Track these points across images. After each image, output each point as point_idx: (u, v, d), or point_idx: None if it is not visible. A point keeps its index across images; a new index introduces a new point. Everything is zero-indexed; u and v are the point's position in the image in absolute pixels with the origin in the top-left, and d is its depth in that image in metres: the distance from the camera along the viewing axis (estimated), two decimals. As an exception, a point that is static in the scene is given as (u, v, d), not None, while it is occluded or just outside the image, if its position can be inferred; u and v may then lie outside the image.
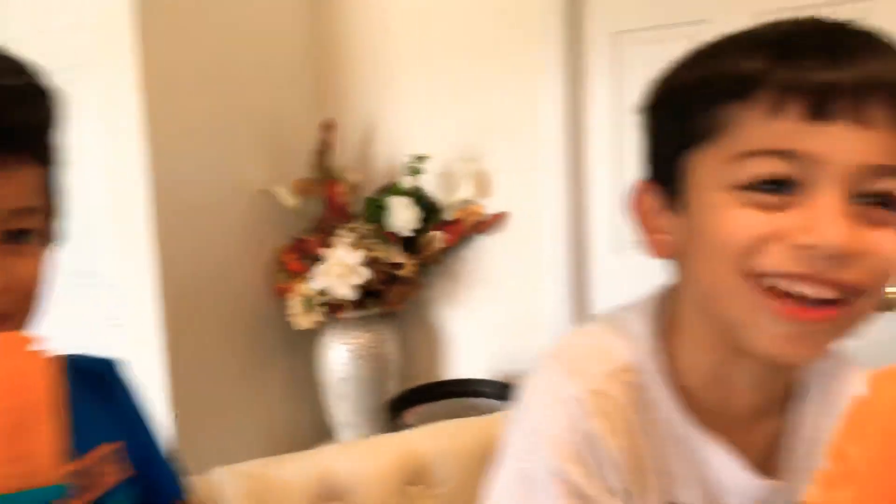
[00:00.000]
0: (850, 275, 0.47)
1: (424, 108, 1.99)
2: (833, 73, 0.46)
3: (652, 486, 0.56)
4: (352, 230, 1.86)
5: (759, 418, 0.58)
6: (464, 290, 2.00)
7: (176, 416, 1.72)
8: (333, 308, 1.85)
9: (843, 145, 0.46)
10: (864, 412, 0.41)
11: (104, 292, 2.06)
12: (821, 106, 0.46)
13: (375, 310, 1.91)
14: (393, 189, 1.91)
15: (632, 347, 0.58)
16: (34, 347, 0.49)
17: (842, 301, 0.49)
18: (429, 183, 1.92)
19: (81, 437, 0.70)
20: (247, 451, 1.93)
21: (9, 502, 0.44)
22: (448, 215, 1.92)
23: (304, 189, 1.98)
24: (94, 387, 0.75)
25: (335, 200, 1.90)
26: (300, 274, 1.88)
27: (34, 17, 2.26)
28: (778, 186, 0.48)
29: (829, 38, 0.49)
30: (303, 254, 1.89)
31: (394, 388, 1.93)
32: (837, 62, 0.46)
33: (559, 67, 1.80)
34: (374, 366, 1.92)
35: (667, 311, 0.60)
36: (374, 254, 1.83)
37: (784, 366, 0.55)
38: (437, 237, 1.91)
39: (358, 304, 1.86)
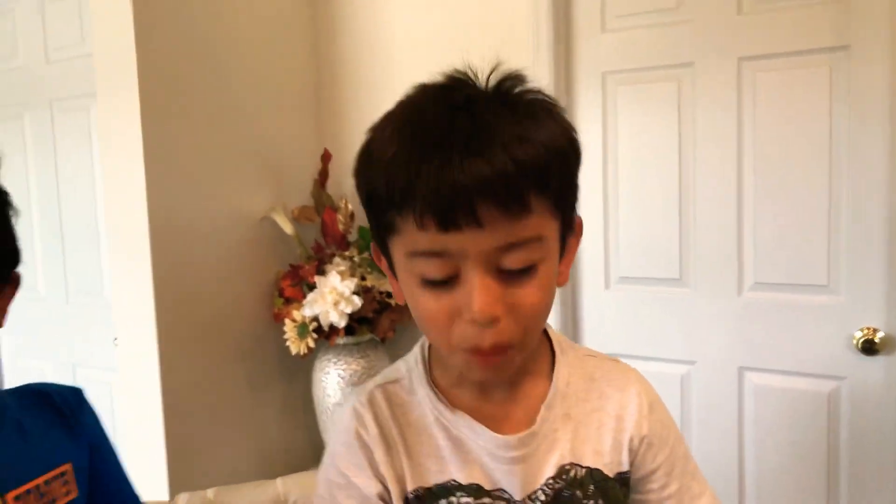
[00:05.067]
0: (507, 326, 0.64)
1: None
2: (453, 192, 0.60)
3: (407, 473, 0.72)
4: (346, 258, 1.90)
5: (515, 393, 0.75)
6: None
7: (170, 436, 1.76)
8: (327, 334, 1.89)
9: (471, 242, 0.61)
10: None
11: (108, 312, 2.13)
12: (448, 224, 0.61)
13: (368, 336, 1.95)
14: (388, 219, 1.95)
15: (407, 366, 0.78)
16: None
17: (509, 345, 0.65)
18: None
19: (39, 459, 0.75)
20: (242, 472, 1.96)
21: None
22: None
23: (302, 216, 2.04)
24: (59, 413, 0.81)
25: (331, 228, 1.95)
26: (295, 300, 1.93)
27: (43, 47, 2.37)
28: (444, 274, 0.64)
29: (454, 144, 0.61)
30: (299, 280, 1.93)
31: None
32: (461, 174, 0.59)
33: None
34: (367, 392, 1.95)
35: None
36: (366, 282, 1.87)
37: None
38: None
39: (350, 331, 1.90)
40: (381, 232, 0.68)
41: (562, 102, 1.86)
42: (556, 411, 0.75)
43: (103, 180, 1.85)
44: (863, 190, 1.59)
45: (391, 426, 0.74)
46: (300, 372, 2.09)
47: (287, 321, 1.90)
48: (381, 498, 0.72)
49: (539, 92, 0.68)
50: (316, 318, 1.86)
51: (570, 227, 0.71)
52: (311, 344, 1.87)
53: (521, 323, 0.65)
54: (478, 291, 0.62)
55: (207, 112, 1.85)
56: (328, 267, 1.89)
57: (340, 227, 1.98)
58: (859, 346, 1.60)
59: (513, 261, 0.63)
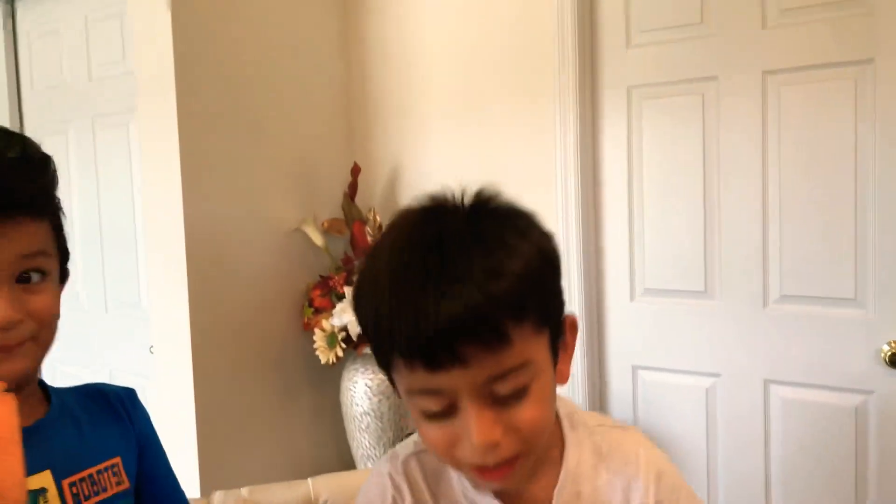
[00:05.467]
0: (508, 444, 0.66)
1: (446, 154, 2.09)
2: (433, 335, 0.62)
3: None
4: (375, 270, 1.94)
5: (530, 476, 0.76)
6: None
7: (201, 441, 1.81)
8: (355, 344, 1.93)
9: (459, 379, 0.63)
10: None
11: (145, 322, 2.19)
12: (434, 365, 0.63)
13: (395, 347, 1.98)
14: (415, 231, 1.99)
15: None
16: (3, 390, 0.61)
17: (515, 456, 0.68)
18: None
19: (92, 451, 0.80)
20: (271, 478, 2.00)
21: None
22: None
23: (332, 228, 2.09)
24: (113, 410, 0.86)
25: (360, 240, 1.99)
26: (325, 310, 1.97)
27: (86, 65, 2.46)
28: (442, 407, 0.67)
29: (427, 287, 0.62)
30: (328, 290, 1.98)
31: (412, 424, 1.98)
32: (437, 317, 0.61)
33: (575, 119, 1.87)
34: (394, 402, 1.98)
35: None
36: (394, 293, 1.91)
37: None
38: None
39: (378, 341, 1.93)
40: (382, 366, 0.71)
41: (587, 117, 1.90)
42: (568, 492, 0.78)
43: (142, 194, 1.92)
44: (889, 202, 1.59)
45: (427, 499, 0.78)
46: (329, 381, 2.13)
47: (316, 331, 1.94)
48: None
49: (510, 209, 0.70)
50: (344, 328, 1.90)
51: (559, 334, 0.72)
52: (340, 353, 1.91)
53: (522, 438, 0.67)
54: (474, 422, 0.65)
55: (242, 127, 1.92)
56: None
57: (369, 238, 2.02)
58: (887, 359, 1.59)
59: (504, 388, 0.65)
